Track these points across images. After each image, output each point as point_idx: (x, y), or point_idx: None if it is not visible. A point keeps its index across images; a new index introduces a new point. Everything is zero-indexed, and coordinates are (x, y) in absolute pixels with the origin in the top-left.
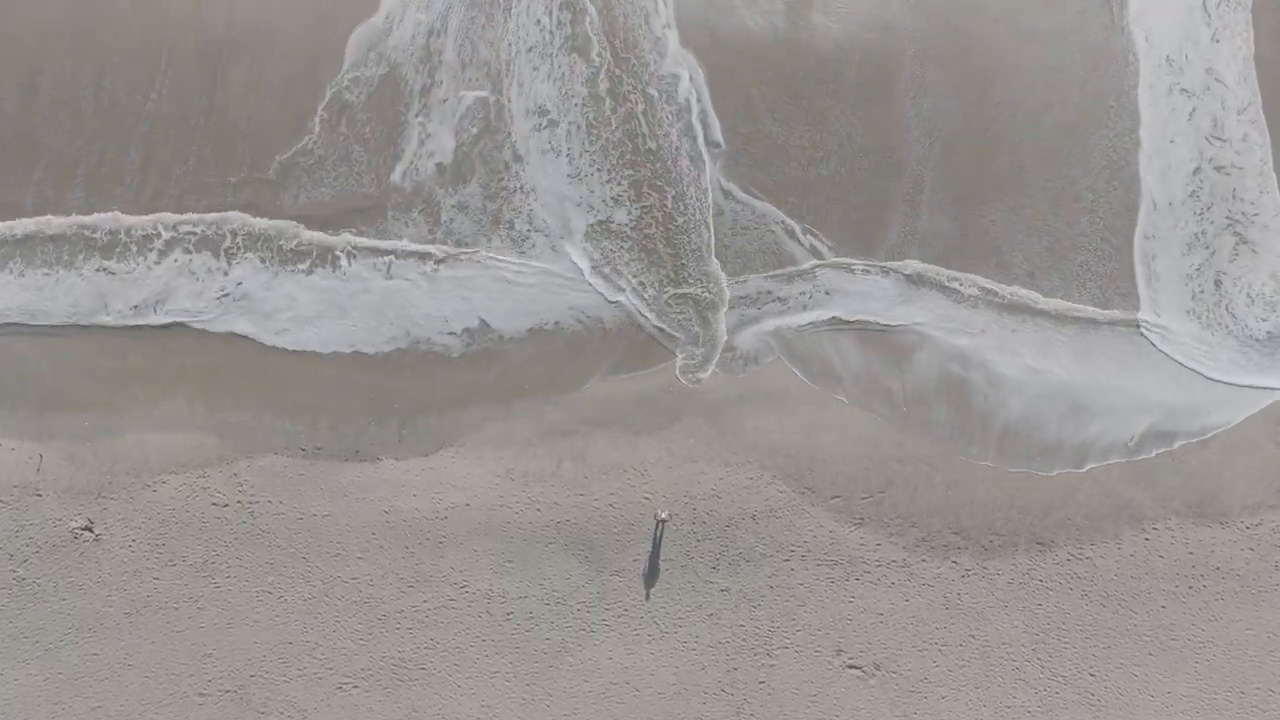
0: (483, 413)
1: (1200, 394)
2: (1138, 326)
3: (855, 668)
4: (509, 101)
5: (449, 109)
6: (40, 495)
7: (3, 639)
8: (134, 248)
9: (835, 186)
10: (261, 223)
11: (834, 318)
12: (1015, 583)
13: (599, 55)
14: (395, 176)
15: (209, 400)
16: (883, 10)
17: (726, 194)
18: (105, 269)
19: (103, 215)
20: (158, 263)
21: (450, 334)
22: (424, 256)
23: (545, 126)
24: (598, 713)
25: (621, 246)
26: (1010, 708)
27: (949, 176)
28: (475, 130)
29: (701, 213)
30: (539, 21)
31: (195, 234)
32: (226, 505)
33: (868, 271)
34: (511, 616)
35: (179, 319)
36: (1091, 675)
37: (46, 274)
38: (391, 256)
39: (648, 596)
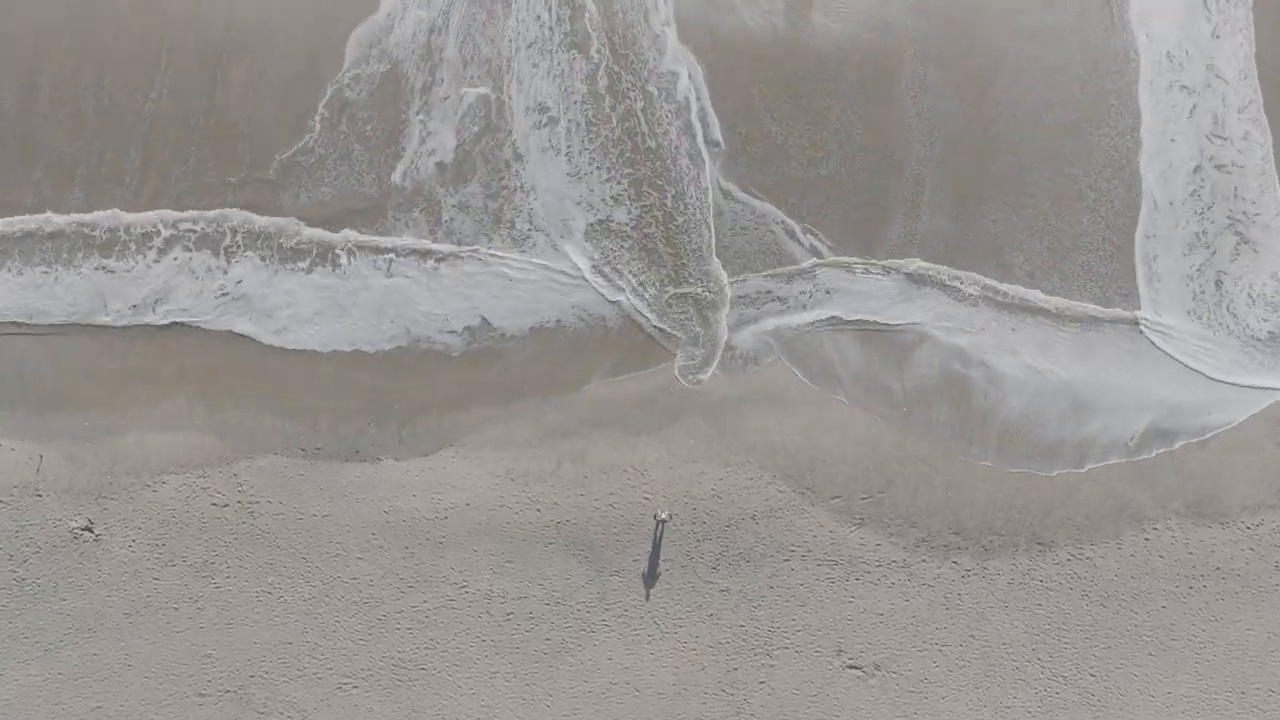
0: (482, 413)
1: (1201, 393)
2: (1137, 324)
3: (855, 668)
4: (510, 99)
5: (450, 107)
6: (40, 495)
7: (3, 639)
8: (133, 246)
9: (835, 186)
10: (262, 220)
11: (834, 317)
12: (1015, 583)
13: (598, 51)
14: (396, 176)
15: (209, 400)
16: (883, 10)
17: (726, 194)
18: (104, 267)
19: (102, 213)
20: (157, 261)
21: (451, 332)
22: (425, 254)
23: (545, 124)
24: (598, 713)
25: (621, 246)
26: (1010, 708)
27: (949, 176)
28: (476, 128)
29: (702, 212)
30: (539, 17)
31: (195, 231)
32: (226, 505)
33: (868, 270)
34: (511, 617)
35: (178, 318)
36: (1092, 675)
37: (45, 272)
38: (392, 254)
39: (648, 597)
